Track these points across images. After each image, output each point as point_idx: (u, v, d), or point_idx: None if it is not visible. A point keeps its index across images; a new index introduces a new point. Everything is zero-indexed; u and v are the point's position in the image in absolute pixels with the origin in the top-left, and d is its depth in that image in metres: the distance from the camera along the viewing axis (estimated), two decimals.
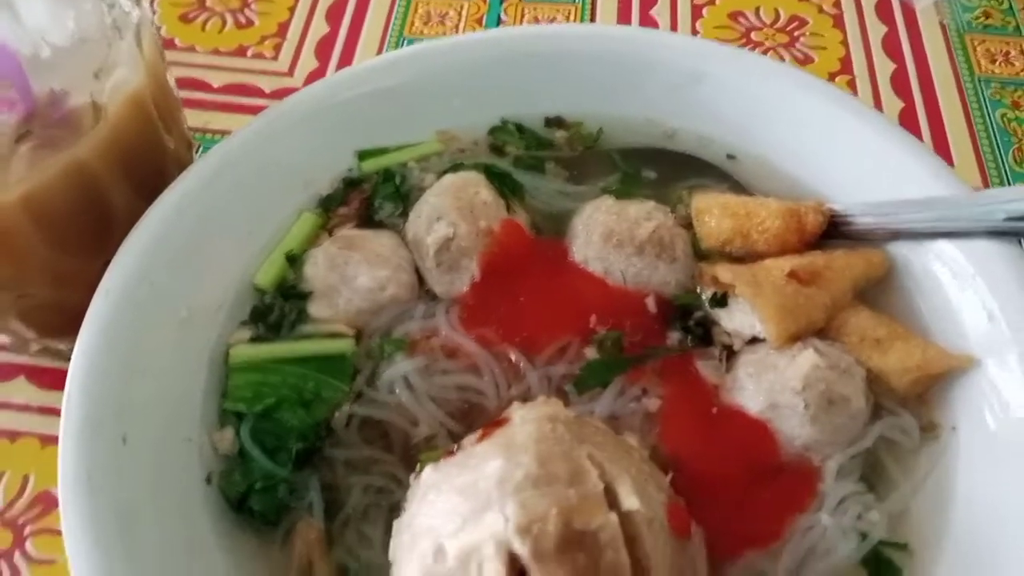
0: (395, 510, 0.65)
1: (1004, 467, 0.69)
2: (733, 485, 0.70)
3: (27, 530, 0.82)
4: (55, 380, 0.92)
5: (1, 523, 0.83)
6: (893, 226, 0.80)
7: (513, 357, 0.75)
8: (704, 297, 0.78)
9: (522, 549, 0.55)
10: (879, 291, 0.80)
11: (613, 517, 0.58)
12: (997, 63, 1.19)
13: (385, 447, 0.72)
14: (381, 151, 0.87)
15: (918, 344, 0.75)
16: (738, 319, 0.76)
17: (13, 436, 0.88)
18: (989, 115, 1.14)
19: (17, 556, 0.81)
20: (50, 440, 0.87)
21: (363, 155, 0.87)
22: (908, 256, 0.80)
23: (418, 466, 0.65)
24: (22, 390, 0.91)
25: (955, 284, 0.77)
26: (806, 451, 0.71)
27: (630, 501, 0.59)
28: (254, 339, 0.76)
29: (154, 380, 0.69)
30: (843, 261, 0.78)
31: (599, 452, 0.62)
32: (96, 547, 0.60)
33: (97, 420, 0.64)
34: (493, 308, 0.77)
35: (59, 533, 0.81)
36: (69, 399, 0.63)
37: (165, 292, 0.72)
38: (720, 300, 0.77)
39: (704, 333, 0.77)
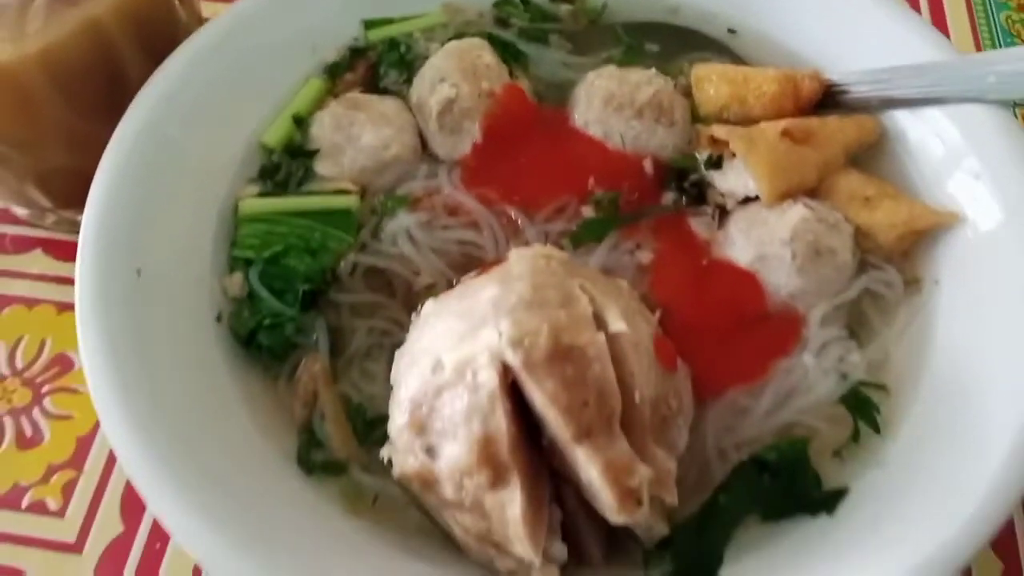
0: (396, 351, 0.68)
1: (982, 317, 0.72)
2: (720, 330, 0.73)
3: (45, 388, 0.87)
4: (70, 252, 0.93)
5: (21, 382, 0.88)
6: (886, 94, 0.81)
7: (512, 214, 0.78)
8: (700, 159, 0.81)
9: (514, 359, 0.59)
10: (871, 157, 0.82)
11: (601, 336, 0.61)
12: None
13: (388, 295, 0.75)
14: (387, 21, 0.88)
15: (905, 202, 0.77)
16: (732, 179, 0.79)
17: (31, 303, 0.92)
18: (993, 17, 1.14)
19: (36, 412, 0.86)
20: (66, 307, 0.91)
21: (369, 24, 0.88)
22: (900, 123, 0.82)
23: (419, 306, 0.69)
24: (38, 261, 0.95)
25: (944, 148, 0.79)
26: (792, 300, 0.74)
27: (617, 324, 0.62)
28: (262, 194, 0.79)
29: (166, 223, 0.72)
30: (836, 125, 0.80)
31: (590, 284, 0.66)
32: (112, 361, 0.63)
33: (112, 251, 0.67)
34: (494, 169, 0.80)
35: (75, 391, 0.88)
36: (86, 231, 0.67)
37: (176, 144, 0.75)
38: (715, 162, 0.79)
39: (699, 194, 0.80)
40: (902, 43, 0.82)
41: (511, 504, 0.58)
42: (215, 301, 0.73)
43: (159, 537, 0.79)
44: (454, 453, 0.59)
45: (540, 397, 0.58)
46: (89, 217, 0.68)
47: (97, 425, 0.87)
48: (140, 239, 0.69)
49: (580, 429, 0.58)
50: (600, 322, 0.62)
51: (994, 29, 1.12)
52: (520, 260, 0.66)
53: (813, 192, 0.78)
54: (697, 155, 0.81)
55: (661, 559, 0.65)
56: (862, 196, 0.77)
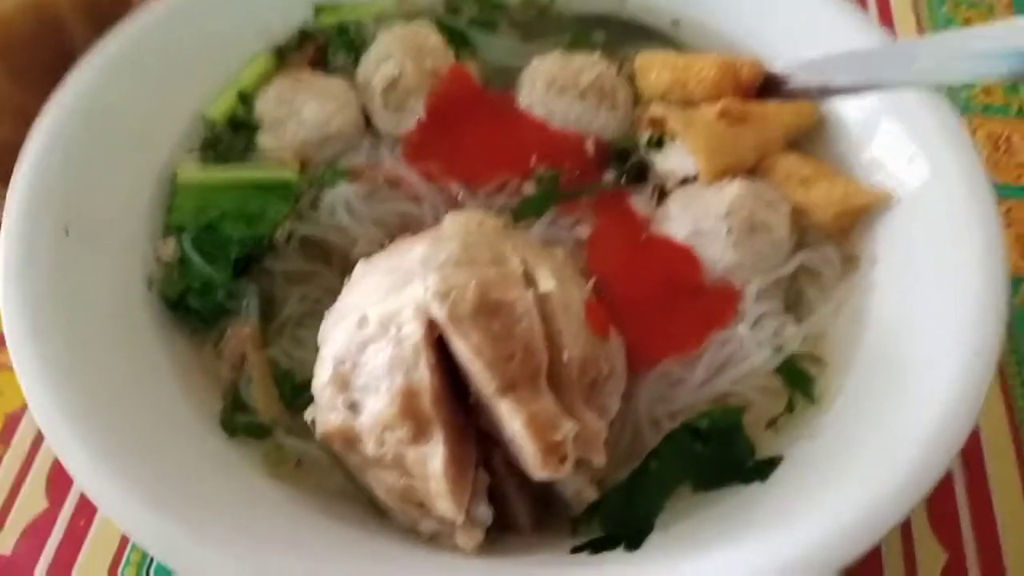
0: None
1: (915, 294, 0.72)
2: (655, 303, 0.72)
3: None
4: None
5: None
6: (824, 82, 0.82)
7: (453, 189, 0.78)
8: (641, 141, 0.82)
9: (439, 312, 0.58)
10: (810, 141, 0.83)
11: (529, 294, 0.61)
12: None
13: (325, 264, 0.75)
14: (337, 7, 0.89)
15: (841, 181, 0.78)
16: (672, 160, 0.79)
17: None
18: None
19: None
20: None
21: (320, 10, 0.89)
22: (838, 109, 0.83)
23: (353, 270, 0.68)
24: None
25: (880, 132, 0.79)
26: (728, 275, 0.74)
27: (547, 283, 0.62)
28: (201, 165, 0.79)
29: (100, 187, 0.71)
30: (774, 109, 0.81)
31: (523, 246, 0.66)
32: (33, 333, 0.62)
33: (40, 207, 0.66)
34: (437, 145, 0.80)
35: (5, 367, 0.85)
36: (14, 187, 0.66)
37: (116, 111, 0.74)
38: (656, 142, 0.80)
39: (639, 174, 0.80)
40: (840, 31, 0.83)
41: (433, 458, 0.57)
42: (147, 266, 0.72)
43: (84, 515, 0.77)
44: (376, 407, 0.58)
45: (465, 349, 0.57)
46: (20, 173, 0.67)
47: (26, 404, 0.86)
48: (71, 198, 0.68)
49: (504, 382, 0.57)
50: (530, 281, 0.62)
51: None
52: (453, 222, 0.66)
53: (752, 172, 0.79)
54: (638, 138, 0.82)
55: (589, 525, 0.64)
56: (799, 176, 0.78)
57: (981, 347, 0.63)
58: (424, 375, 0.57)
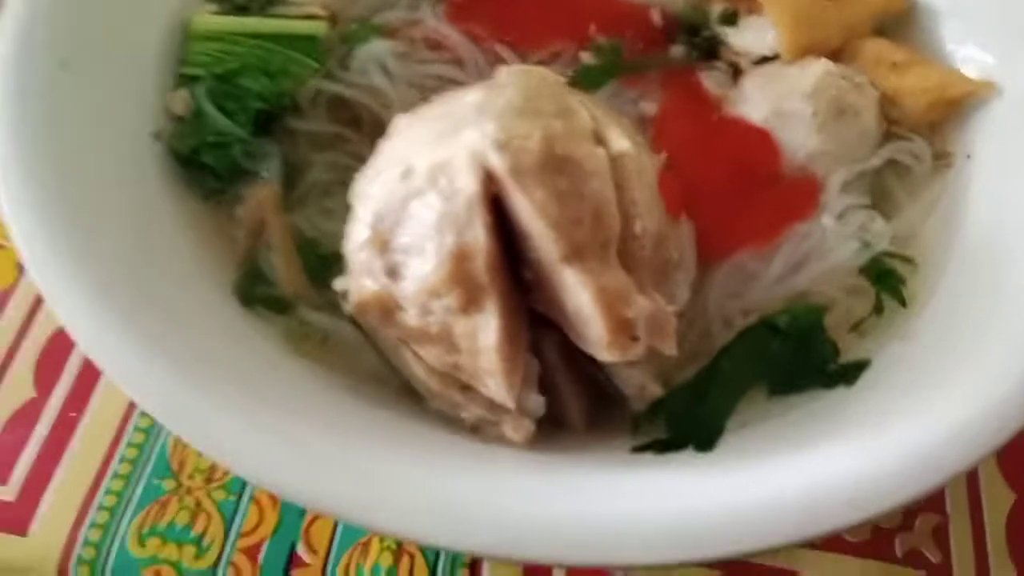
0: None
1: (1015, 192, 0.64)
2: (729, 189, 0.64)
3: None
4: None
5: None
6: None
7: (501, 53, 0.69)
8: (713, 15, 0.73)
9: (499, 163, 0.49)
10: (899, 27, 0.74)
11: (601, 151, 0.52)
12: None
13: (354, 129, 0.66)
14: None
15: (938, 68, 0.69)
16: (748, 37, 0.71)
17: None
18: None
19: None
20: None
21: None
22: None
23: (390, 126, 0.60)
24: None
25: (976, 18, 0.71)
26: (810, 163, 0.65)
27: (620, 143, 0.53)
28: (219, 13, 0.69)
29: (106, 22, 0.62)
30: None
31: (591, 103, 0.57)
32: (28, 178, 0.53)
33: (35, 38, 0.57)
34: (483, 6, 0.71)
35: None
36: (7, 7, 0.57)
37: None
38: (729, 17, 0.71)
39: (710, 50, 0.72)
40: None
41: (485, 330, 0.49)
42: (155, 120, 0.63)
43: (74, 406, 0.69)
44: (421, 270, 0.49)
45: (527, 207, 0.49)
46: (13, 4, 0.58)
47: (15, 284, 0.77)
48: (72, 30, 0.59)
49: (571, 248, 0.49)
50: (600, 140, 0.54)
51: None
52: (511, 73, 0.57)
53: (835, 55, 0.70)
54: (709, 13, 0.73)
55: (652, 424, 0.56)
56: (890, 61, 0.69)
57: None
58: (479, 234, 0.49)
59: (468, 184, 0.49)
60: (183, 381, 0.49)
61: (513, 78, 0.56)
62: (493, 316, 0.49)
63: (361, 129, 0.66)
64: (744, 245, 0.63)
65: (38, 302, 0.75)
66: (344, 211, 0.59)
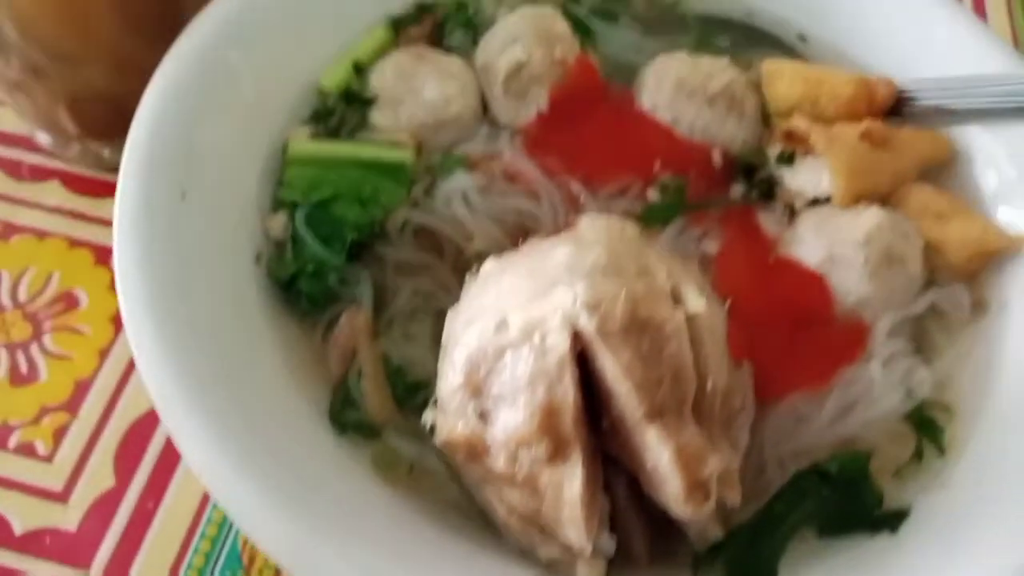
0: (442, 316, 0.63)
1: None
2: (784, 331, 0.69)
3: (46, 325, 0.81)
4: (90, 187, 0.90)
5: (22, 315, 0.82)
6: (956, 104, 0.79)
7: (573, 188, 0.73)
8: (771, 155, 0.77)
9: (588, 325, 0.54)
10: (941, 174, 0.79)
11: (680, 313, 0.57)
12: None
13: (437, 257, 0.71)
14: None
15: (978, 220, 0.74)
16: (803, 177, 0.75)
17: (42, 235, 0.86)
18: None
19: (34, 348, 0.80)
20: (79, 243, 0.86)
21: None
22: (971, 141, 0.79)
23: (474, 269, 0.64)
24: (55, 192, 0.89)
25: (1014, 170, 0.76)
26: (859, 308, 0.70)
27: (696, 303, 0.58)
28: (313, 137, 0.74)
29: (214, 150, 0.67)
30: (911, 135, 0.77)
31: (667, 260, 0.62)
32: (151, 300, 0.58)
33: (160, 164, 0.62)
34: (557, 140, 0.76)
35: (78, 332, 0.82)
36: (134, 141, 0.62)
37: (232, 71, 0.70)
38: (788, 158, 0.76)
39: (768, 190, 0.76)
40: (969, 52, 0.80)
41: (570, 482, 0.53)
42: (255, 241, 0.68)
43: (152, 495, 0.73)
44: (512, 420, 0.54)
45: (613, 367, 0.53)
46: (138, 130, 0.63)
47: (97, 370, 0.80)
48: (187, 160, 0.64)
49: (653, 408, 0.53)
50: (678, 298, 0.58)
51: None
52: (593, 226, 0.62)
53: (883, 201, 0.75)
54: (768, 152, 0.78)
55: (712, 565, 0.60)
56: (934, 210, 0.74)
57: None
58: (568, 391, 0.53)
59: (560, 343, 0.54)
60: (282, 507, 0.53)
61: (598, 233, 0.61)
62: (578, 467, 0.53)
63: (443, 257, 0.71)
64: (798, 387, 0.67)
65: (119, 390, 0.78)
66: (426, 337, 0.65)
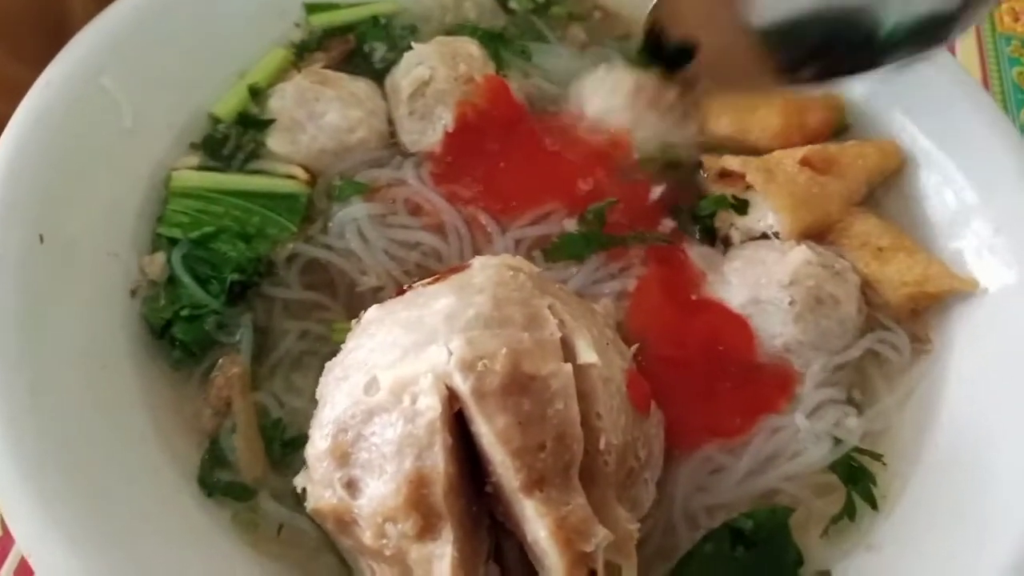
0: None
1: (991, 388, 0.64)
2: (701, 376, 0.64)
3: None
4: None
5: None
6: None
7: (483, 219, 0.68)
8: (727, 200, 0.71)
9: (463, 385, 0.49)
10: (889, 196, 0.74)
11: (567, 367, 0.51)
12: (1020, 21, 1.14)
13: (330, 295, 0.66)
14: (332, 6, 0.78)
15: (921, 259, 0.69)
16: (750, 216, 0.71)
17: None
18: (1005, 72, 1.09)
19: None
20: None
21: (311, 8, 0.78)
22: (919, 167, 0.73)
23: (362, 313, 0.59)
24: None
25: (959, 199, 0.71)
26: (787, 352, 0.65)
27: (588, 355, 0.53)
28: (201, 168, 0.69)
29: (84, 186, 0.62)
30: (855, 149, 0.73)
31: (561, 306, 0.56)
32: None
33: (14, 207, 0.57)
34: (468, 167, 0.70)
35: None
36: None
37: (109, 98, 0.65)
38: (742, 207, 0.70)
39: (709, 227, 0.71)
40: None
41: (440, 560, 0.48)
42: (129, 279, 0.63)
43: None
44: (379, 492, 0.49)
45: (488, 434, 0.48)
46: None
47: None
48: (50, 200, 0.59)
49: (531, 477, 0.48)
50: (568, 351, 0.53)
51: (1006, 85, 1.08)
52: (484, 269, 0.57)
53: (824, 232, 0.70)
54: (725, 195, 0.71)
55: None
56: (876, 245, 0.69)
57: None
58: (438, 461, 0.48)
59: (431, 406, 0.49)
60: None
61: (485, 275, 0.56)
62: (448, 544, 0.48)
63: (336, 296, 0.65)
64: (714, 437, 0.62)
65: None
66: (312, 386, 0.59)
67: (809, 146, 0.71)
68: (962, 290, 0.67)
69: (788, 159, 0.70)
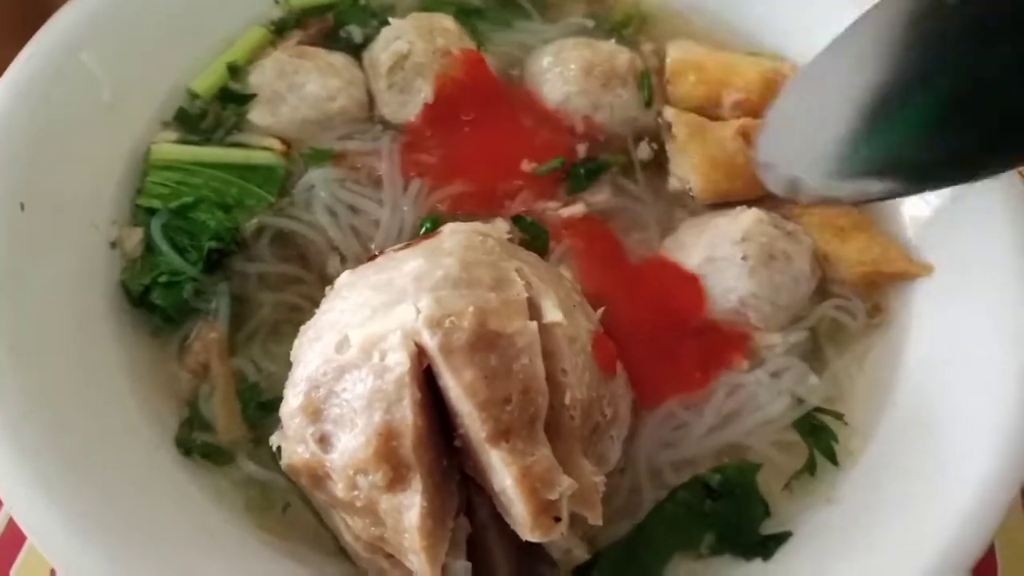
0: None
1: (949, 353, 0.65)
2: (659, 334, 0.66)
3: None
4: None
5: None
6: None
7: (434, 198, 0.69)
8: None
9: (430, 341, 0.51)
10: None
11: (532, 325, 0.53)
12: None
13: (303, 266, 0.67)
14: None
15: (880, 241, 0.71)
16: (678, 171, 0.74)
17: None
18: None
19: None
20: None
21: None
22: None
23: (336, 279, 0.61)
24: None
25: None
26: (743, 307, 0.67)
27: (553, 314, 0.55)
28: (180, 141, 0.70)
29: (66, 158, 0.63)
30: None
31: (529, 270, 0.58)
32: None
33: None
34: (442, 137, 0.72)
35: None
36: None
37: (90, 73, 0.66)
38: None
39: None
40: None
41: (409, 510, 0.50)
42: (109, 252, 0.64)
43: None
44: (350, 445, 0.51)
45: (456, 388, 0.50)
46: None
47: None
48: (31, 170, 0.61)
49: (498, 429, 0.50)
50: (535, 310, 0.55)
51: None
52: (454, 234, 0.59)
53: (782, 209, 0.71)
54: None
55: None
56: (835, 224, 0.71)
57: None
58: (407, 414, 0.50)
59: (399, 362, 0.50)
60: (107, 548, 0.50)
61: (455, 243, 0.58)
62: (417, 495, 0.50)
63: (310, 267, 0.67)
64: (674, 392, 0.64)
65: None
66: (288, 354, 0.60)
67: (750, 119, 0.72)
68: (917, 274, 0.69)
69: (729, 128, 0.72)
